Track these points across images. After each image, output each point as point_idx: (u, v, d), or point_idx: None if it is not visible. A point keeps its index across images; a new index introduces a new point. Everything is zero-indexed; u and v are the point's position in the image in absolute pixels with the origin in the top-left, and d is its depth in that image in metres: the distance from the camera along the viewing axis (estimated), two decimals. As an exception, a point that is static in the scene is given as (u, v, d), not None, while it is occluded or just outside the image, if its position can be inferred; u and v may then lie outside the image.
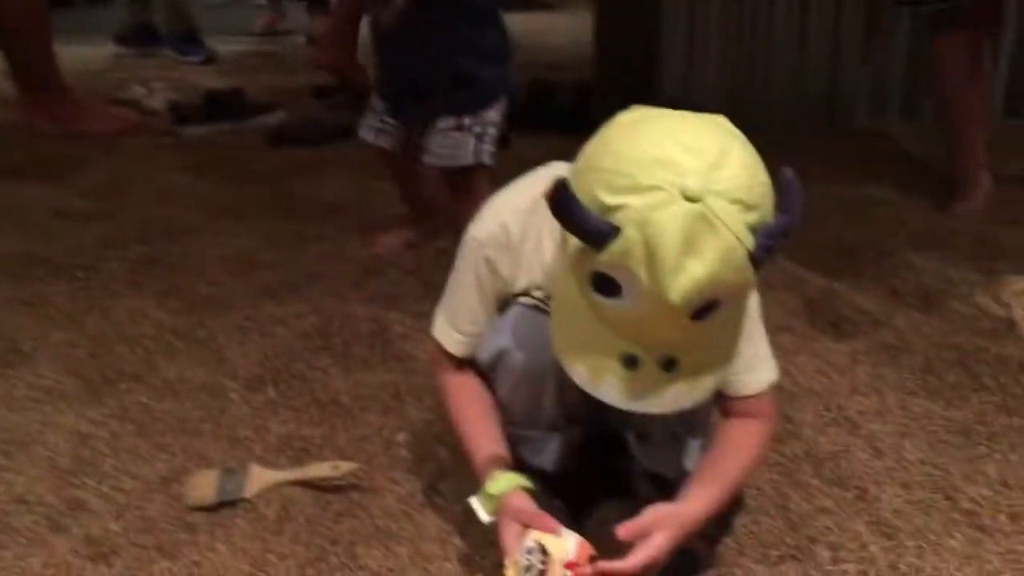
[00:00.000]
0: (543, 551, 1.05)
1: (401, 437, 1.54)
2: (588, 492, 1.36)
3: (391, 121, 2.15)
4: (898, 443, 1.49)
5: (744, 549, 1.25)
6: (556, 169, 1.08)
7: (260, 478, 1.40)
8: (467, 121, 2.03)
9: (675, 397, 1.00)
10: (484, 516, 1.15)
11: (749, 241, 0.91)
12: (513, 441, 1.24)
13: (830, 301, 1.97)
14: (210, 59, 5.00)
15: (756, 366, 1.18)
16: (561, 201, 0.92)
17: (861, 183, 2.75)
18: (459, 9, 1.99)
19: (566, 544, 1.06)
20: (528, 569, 1.06)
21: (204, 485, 1.40)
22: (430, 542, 1.29)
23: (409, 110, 2.10)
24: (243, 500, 1.37)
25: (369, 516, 1.35)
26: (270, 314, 1.92)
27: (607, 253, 0.91)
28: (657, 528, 1.06)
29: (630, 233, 0.89)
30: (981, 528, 1.29)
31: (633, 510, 1.30)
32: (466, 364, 1.26)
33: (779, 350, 1.24)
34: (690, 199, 0.88)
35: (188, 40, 4.95)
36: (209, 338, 1.84)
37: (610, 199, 0.91)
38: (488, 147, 2.03)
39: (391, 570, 1.24)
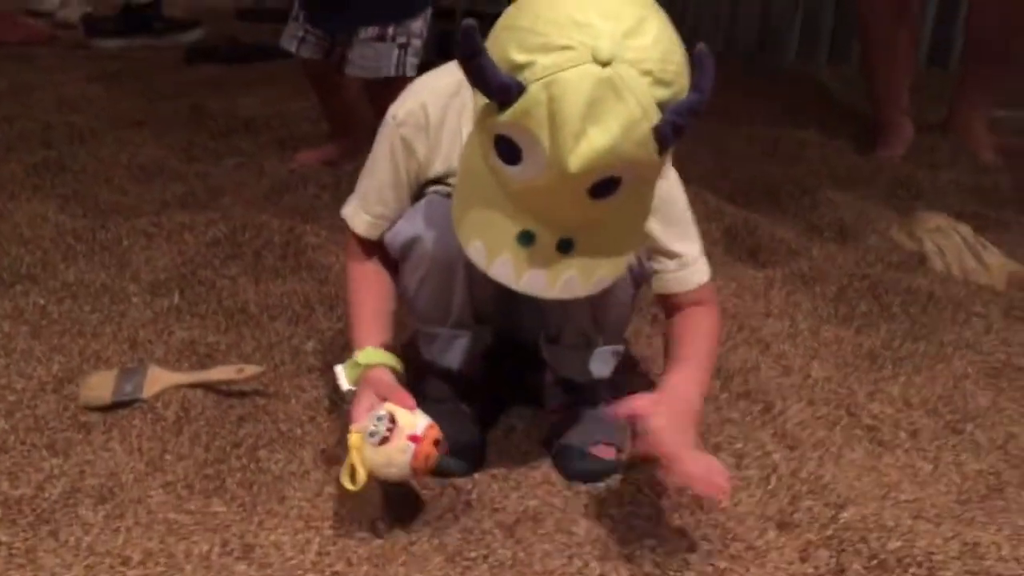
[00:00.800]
0: (392, 420, 1.05)
1: (309, 345, 1.50)
2: (496, 400, 1.35)
3: (314, 31, 2.07)
4: (806, 363, 1.50)
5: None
6: None
7: (159, 379, 1.35)
8: (391, 31, 1.97)
9: (568, 283, 0.99)
10: (344, 384, 1.16)
11: (655, 116, 0.89)
12: (421, 341, 1.22)
13: (749, 231, 1.98)
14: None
15: (692, 263, 1.19)
16: (467, 47, 0.89)
17: (786, 123, 2.77)
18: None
19: (416, 419, 1.06)
20: (372, 435, 1.05)
21: (100, 385, 1.34)
22: (334, 446, 1.26)
23: (332, 19, 2.03)
24: (141, 401, 1.32)
25: (273, 420, 1.31)
26: (178, 221, 1.85)
27: (510, 112, 0.89)
28: (647, 405, 1.05)
29: (534, 92, 0.87)
30: (881, 443, 1.32)
31: (541, 419, 1.31)
32: (376, 255, 1.23)
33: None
34: (600, 62, 0.86)
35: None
36: (112, 242, 1.77)
37: (520, 57, 0.88)
38: (412, 59, 1.98)
39: (293, 473, 1.21)
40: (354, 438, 1.07)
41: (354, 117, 2.22)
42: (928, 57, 3.41)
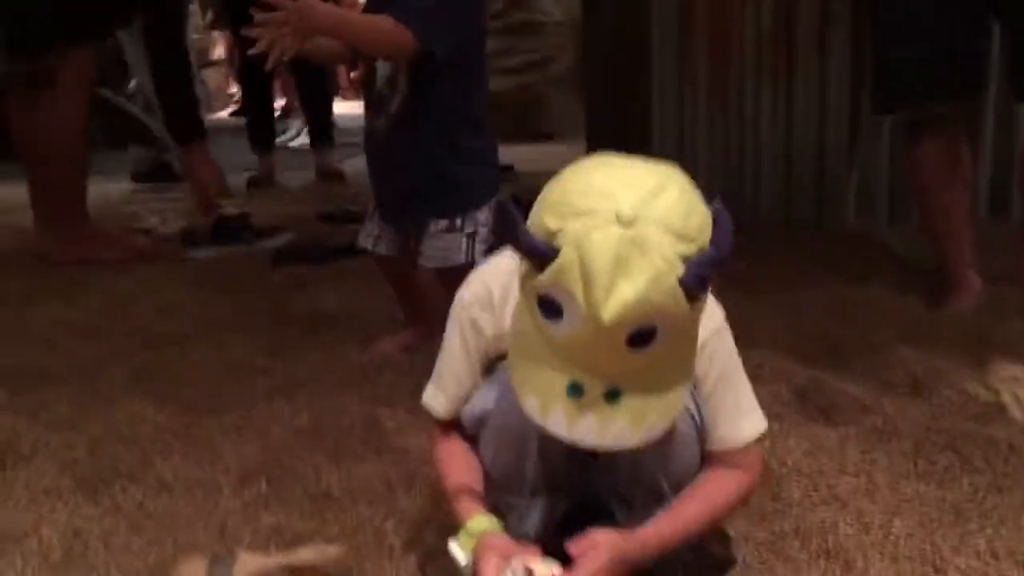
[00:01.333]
0: (528, 572, 1.07)
1: (390, 525, 1.54)
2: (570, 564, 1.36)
3: (387, 227, 2.23)
4: (887, 520, 1.48)
5: (731, 621, 1.24)
6: None
7: (248, 564, 1.40)
8: (458, 222, 2.11)
9: (619, 432, 1.04)
10: (462, 558, 1.17)
11: (680, 268, 0.97)
12: (499, 512, 1.26)
13: (820, 390, 1.98)
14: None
15: (735, 419, 1.22)
16: (502, 219, 1.00)
17: (851, 284, 2.79)
18: (446, 116, 2.09)
19: (550, 566, 1.09)
20: None
21: (193, 573, 1.40)
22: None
23: (403, 215, 2.19)
24: (232, 588, 1.37)
25: (357, 602, 1.35)
26: (265, 414, 1.95)
27: (548, 273, 0.98)
28: (596, 548, 1.10)
29: (567, 252, 0.97)
30: (971, 598, 1.28)
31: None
32: (458, 434, 1.30)
33: (768, 434, 1.26)
34: (623, 223, 0.95)
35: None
36: (205, 437, 1.87)
37: (553, 224, 0.99)
38: (480, 246, 2.10)
39: (381, 654, 1.24)
40: None
41: (428, 303, 2.34)
42: (988, 206, 3.43)
